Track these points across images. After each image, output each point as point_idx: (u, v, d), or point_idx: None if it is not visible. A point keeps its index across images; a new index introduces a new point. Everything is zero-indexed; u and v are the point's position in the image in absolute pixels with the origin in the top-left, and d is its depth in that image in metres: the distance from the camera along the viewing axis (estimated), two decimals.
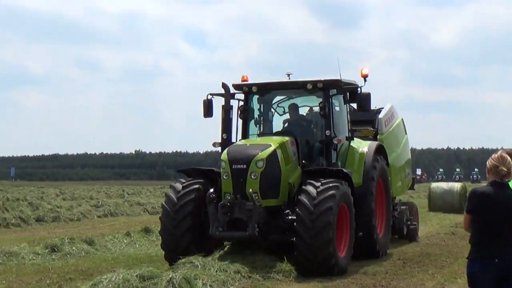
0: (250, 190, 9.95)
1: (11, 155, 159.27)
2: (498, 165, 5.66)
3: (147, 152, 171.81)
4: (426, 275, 10.97)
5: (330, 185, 9.80)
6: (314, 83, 11.24)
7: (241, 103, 12.09)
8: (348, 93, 11.84)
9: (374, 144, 12.57)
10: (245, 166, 10.04)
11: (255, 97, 12.22)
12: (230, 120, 11.72)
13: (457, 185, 27.96)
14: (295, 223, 9.63)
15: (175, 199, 10.54)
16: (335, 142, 11.17)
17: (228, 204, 10.02)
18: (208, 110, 11.71)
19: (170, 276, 8.28)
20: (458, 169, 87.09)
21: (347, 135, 12.04)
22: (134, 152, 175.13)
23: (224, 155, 10.50)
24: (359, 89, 11.62)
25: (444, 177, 76.05)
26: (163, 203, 11.11)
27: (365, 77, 12.03)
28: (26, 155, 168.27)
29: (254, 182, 10.02)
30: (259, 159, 10.08)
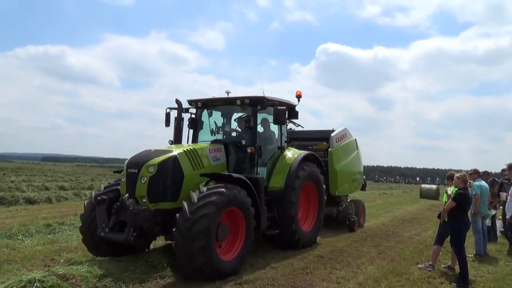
0: (126, 195, 6.66)
1: None
2: (466, 179, 7.03)
3: None
4: (413, 228, 12.87)
5: (214, 190, 6.40)
6: (242, 99, 8.23)
7: (193, 116, 9.08)
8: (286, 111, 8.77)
9: (302, 153, 9.23)
10: (136, 170, 6.79)
11: (205, 111, 8.99)
12: (181, 129, 8.69)
13: (434, 186, 32.75)
14: (173, 229, 6.09)
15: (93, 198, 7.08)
16: (249, 151, 8.00)
17: (115, 206, 6.69)
18: (167, 120, 8.65)
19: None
20: (437, 179, 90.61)
21: (279, 146, 8.97)
22: None
23: (128, 160, 7.14)
24: (285, 106, 8.58)
25: (430, 182, 77.81)
26: (84, 202, 7.57)
27: (298, 97, 9.32)
28: None
29: (142, 187, 6.66)
30: (150, 164, 6.74)
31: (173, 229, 6.08)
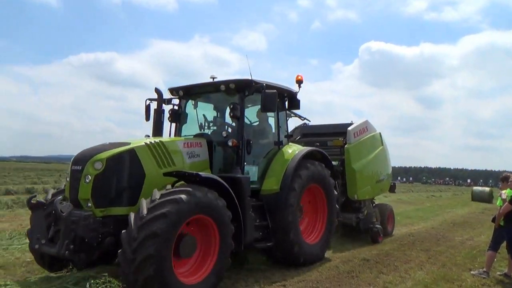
0: (59, 197, 5.53)
1: None
2: None
3: None
4: (464, 232, 12.55)
5: (168, 198, 4.98)
6: (227, 83, 6.87)
7: (175, 107, 7.70)
8: (286, 99, 7.87)
9: (305, 150, 7.69)
10: (80, 167, 5.45)
11: (190, 102, 7.68)
12: (161, 123, 7.24)
13: (487, 189, 31.50)
14: (119, 251, 4.80)
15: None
16: (230, 144, 6.64)
17: (53, 212, 5.36)
18: (147, 114, 7.36)
19: None
20: (490, 181, 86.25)
21: (277, 141, 7.56)
22: None
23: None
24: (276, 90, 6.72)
25: (483, 184, 74.13)
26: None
27: (299, 82, 7.80)
28: None
29: (86, 187, 5.33)
30: (97, 159, 5.40)
31: (119, 250, 4.78)
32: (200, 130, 7.57)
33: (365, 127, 10.38)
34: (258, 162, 7.26)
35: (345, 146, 9.72)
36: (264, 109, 6.69)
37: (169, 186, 5.33)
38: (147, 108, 7.37)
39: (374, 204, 11.04)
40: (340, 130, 10.18)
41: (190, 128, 7.62)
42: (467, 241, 10.98)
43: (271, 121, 7.81)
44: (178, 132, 7.63)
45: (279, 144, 7.59)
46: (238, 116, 6.76)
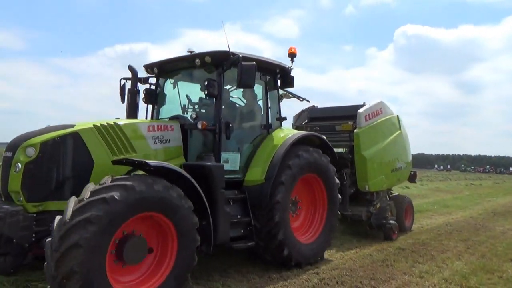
0: None
1: None
2: None
3: None
4: (506, 222, 12.07)
5: (97, 197, 3.94)
6: (202, 57, 5.88)
7: (150, 87, 6.82)
8: (278, 77, 6.92)
9: (298, 134, 6.69)
10: (11, 154, 4.72)
11: (168, 81, 6.77)
12: (136, 105, 6.35)
13: None
14: (45, 264, 3.89)
15: None
16: (199, 127, 5.63)
17: None
18: (122, 95, 6.54)
19: None
20: None
21: (265, 124, 6.62)
22: None
23: None
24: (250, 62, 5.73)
25: None
26: None
27: (292, 56, 6.84)
28: None
29: (16, 177, 4.58)
30: (29, 144, 4.63)
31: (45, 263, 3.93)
32: (183, 113, 6.62)
33: (379, 108, 9.14)
34: (242, 149, 6.37)
35: (355, 130, 8.66)
36: (240, 84, 5.66)
37: (105, 179, 4.26)
38: (122, 88, 6.55)
39: (390, 196, 9.81)
40: (351, 113, 8.99)
41: (171, 111, 6.64)
42: (508, 231, 10.58)
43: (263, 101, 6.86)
44: (156, 115, 6.80)
45: (268, 128, 6.64)
46: (215, 95, 5.83)
